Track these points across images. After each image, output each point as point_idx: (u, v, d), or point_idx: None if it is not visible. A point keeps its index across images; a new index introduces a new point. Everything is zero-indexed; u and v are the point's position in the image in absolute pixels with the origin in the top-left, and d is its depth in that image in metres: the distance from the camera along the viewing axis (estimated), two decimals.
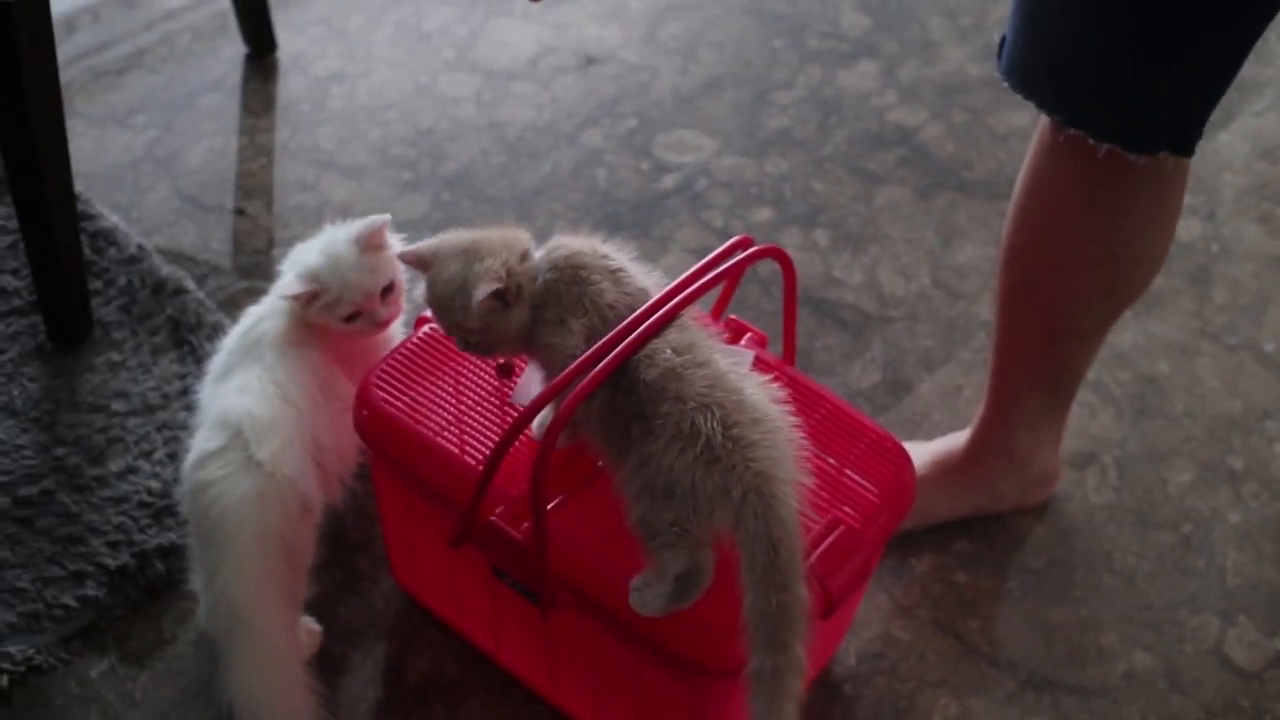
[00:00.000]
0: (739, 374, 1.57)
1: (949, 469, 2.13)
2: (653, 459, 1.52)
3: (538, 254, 1.65)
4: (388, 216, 1.89)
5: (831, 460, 1.74)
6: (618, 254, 1.66)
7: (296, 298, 1.85)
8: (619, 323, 1.56)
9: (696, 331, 1.60)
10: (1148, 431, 2.30)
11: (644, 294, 1.62)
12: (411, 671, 1.96)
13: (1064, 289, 1.91)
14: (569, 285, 1.61)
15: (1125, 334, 2.42)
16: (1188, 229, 2.61)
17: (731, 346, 1.79)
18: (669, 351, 1.54)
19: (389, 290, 1.89)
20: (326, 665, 1.94)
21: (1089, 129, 1.71)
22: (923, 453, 2.11)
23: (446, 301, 1.64)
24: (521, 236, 1.67)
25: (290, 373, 1.86)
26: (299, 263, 1.89)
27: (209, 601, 1.80)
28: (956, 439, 2.15)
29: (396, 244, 1.90)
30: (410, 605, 2.02)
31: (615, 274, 1.63)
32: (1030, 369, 2.02)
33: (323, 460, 1.86)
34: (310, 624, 1.95)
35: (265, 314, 1.93)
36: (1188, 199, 2.61)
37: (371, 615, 2.01)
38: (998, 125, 2.78)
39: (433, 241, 1.68)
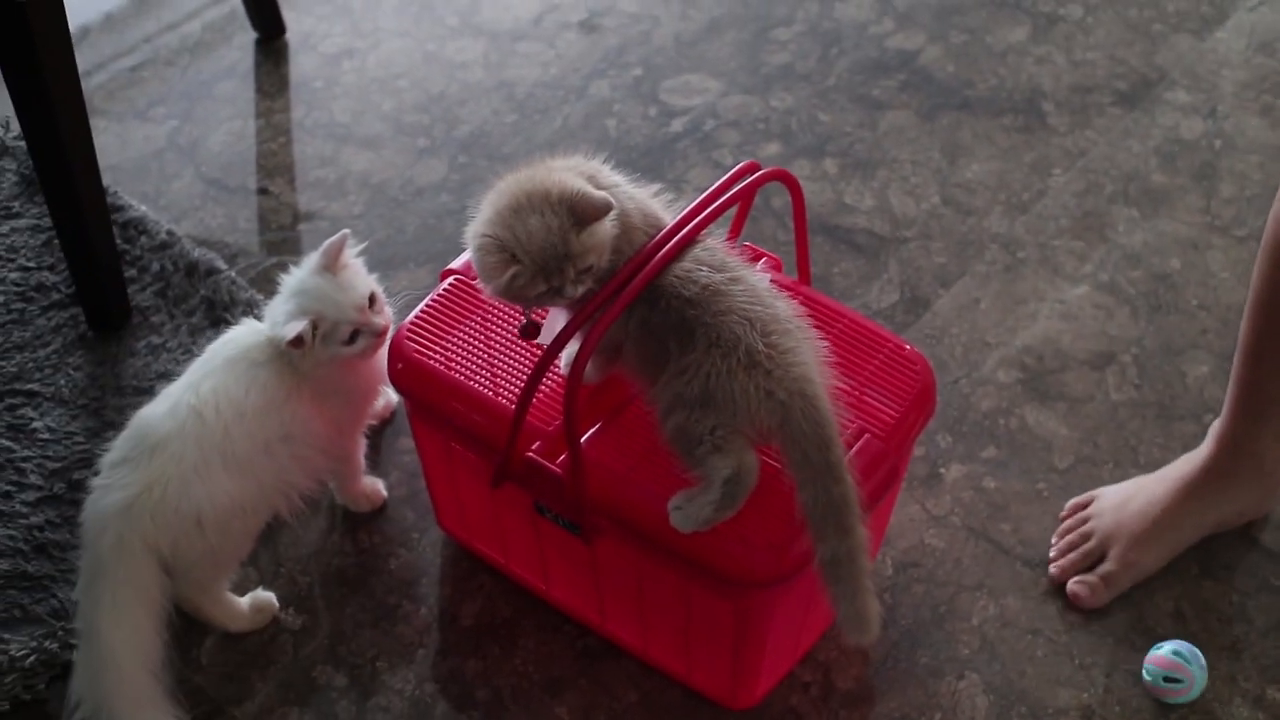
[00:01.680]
0: (770, 291, 1.65)
1: (1190, 492, 2.06)
2: (690, 367, 1.58)
3: None
4: (345, 233, 1.91)
5: (853, 373, 1.80)
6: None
7: (299, 339, 1.84)
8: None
9: (723, 252, 1.66)
10: (1164, 327, 2.34)
11: (658, 219, 1.69)
12: (465, 615, 2.02)
13: None
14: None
15: (1136, 234, 2.47)
16: (1190, 127, 2.65)
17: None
18: (706, 269, 1.61)
19: (373, 300, 1.92)
20: (382, 615, 2.01)
21: None
22: (1156, 485, 2.08)
23: (550, 250, 1.58)
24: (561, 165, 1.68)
25: (224, 388, 1.88)
26: (279, 314, 1.90)
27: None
28: (1191, 460, 2.09)
29: (357, 261, 1.94)
30: (459, 552, 2.08)
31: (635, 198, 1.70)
32: None
33: (255, 473, 1.88)
34: (260, 599, 2.02)
35: (240, 333, 1.96)
36: (1187, 98, 2.67)
37: (422, 565, 2.07)
38: (995, 42, 2.82)
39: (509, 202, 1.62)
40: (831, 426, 1.58)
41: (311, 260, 1.91)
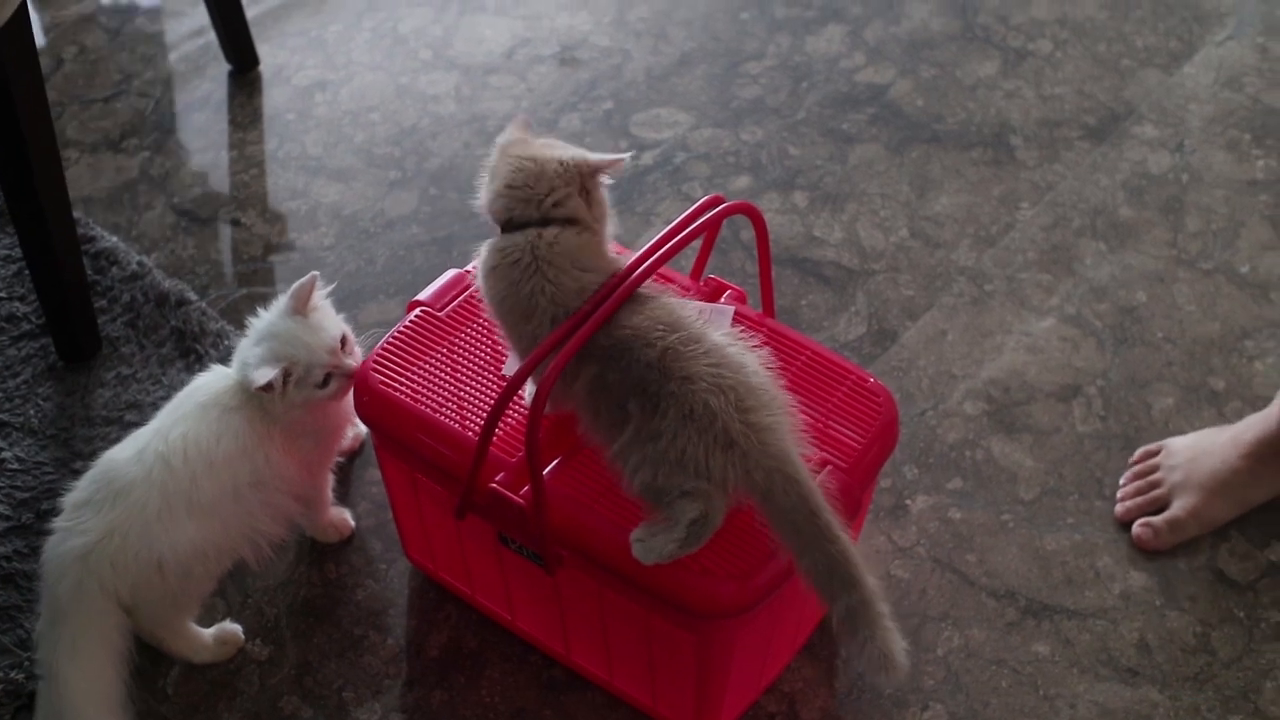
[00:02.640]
0: (737, 347, 1.64)
1: (1263, 458, 2.11)
2: (663, 435, 1.57)
3: None
4: (314, 275, 1.91)
5: (816, 404, 1.81)
6: None
7: (271, 385, 1.84)
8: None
9: (672, 303, 1.66)
10: (1129, 360, 2.36)
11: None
12: (431, 646, 2.02)
13: None
14: None
15: (1102, 268, 2.48)
16: (1157, 161, 2.67)
17: (711, 304, 1.87)
18: (661, 329, 1.60)
19: (344, 342, 1.92)
20: (349, 646, 2.01)
21: None
22: (1230, 448, 2.14)
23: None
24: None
25: (195, 435, 1.87)
26: (250, 359, 1.89)
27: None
28: (1266, 418, 2.12)
29: (326, 302, 1.95)
30: (426, 584, 2.08)
31: None
32: None
33: (221, 518, 1.88)
34: (225, 631, 2.02)
35: (212, 379, 1.95)
36: (1154, 132, 2.69)
37: (389, 596, 2.08)
38: (965, 76, 2.84)
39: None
40: (816, 496, 1.58)
41: (281, 303, 1.91)
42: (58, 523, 1.87)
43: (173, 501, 1.83)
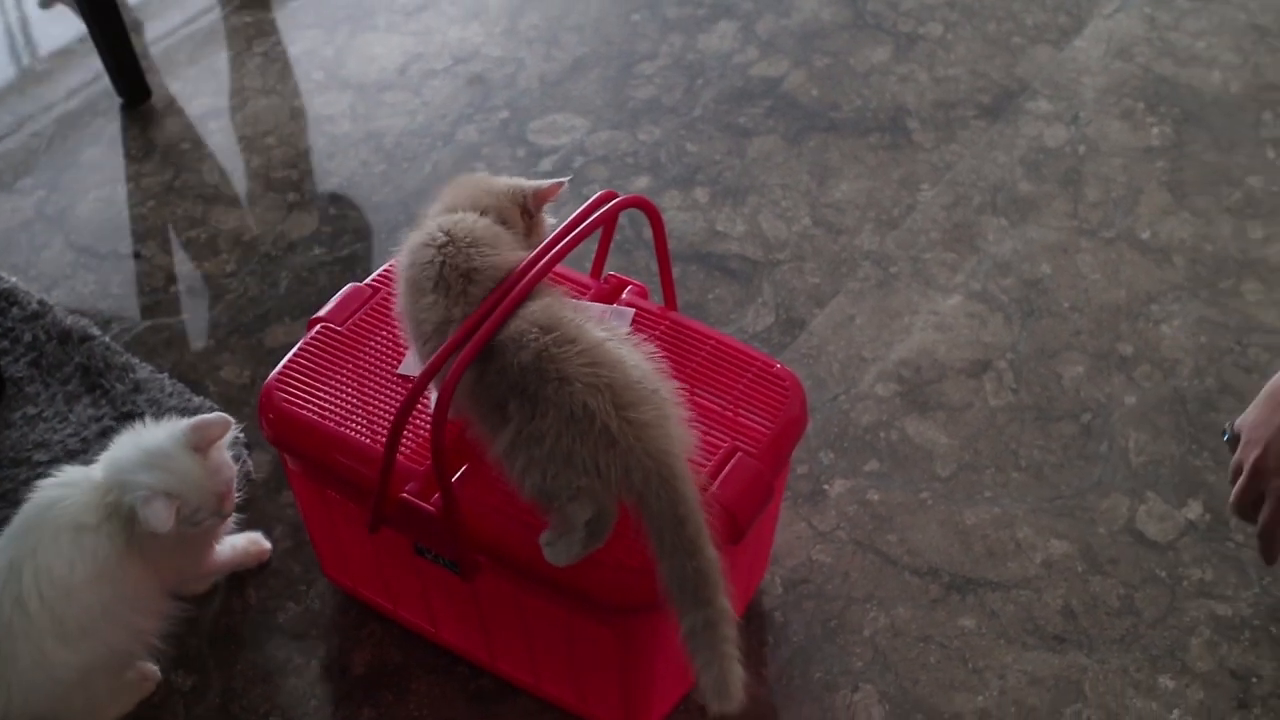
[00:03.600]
0: (615, 342, 1.62)
1: None
2: (545, 438, 1.56)
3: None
4: (228, 420, 1.84)
5: (723, 392, 1.80)
6: None
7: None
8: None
9: (559, 303, 1.64)
10: (1037, 331, 2.37)
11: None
12: (356, 664, 2.01)
13: None
14: None
15: (1005, 243, 2.49)
16: (1053, 135, 2.69)
17: (612, 305, 1.87)
18: (535, 331, 1.58)
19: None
20: (273, 670, 1.99)
21: None
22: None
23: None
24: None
25: (47, 569, 1.77)
26: (137, 487, 1.77)
27: None
28: None
29: (224, 444, 1.86)
30: (347, 602, 2.07)
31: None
32: None
33: (100, 637, 1.80)
34: (145, 669, 1.98)
35: (65, 493, 1.83)
36: (1049, 107, 2.71)
37: (310, 617, 2.06)
38: (858, 64, 2.85)
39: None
40: (687, 504, 1.56)
41: (179, 430, 1.82)
42: None
43: (42, 644, 1.76)
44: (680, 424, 1.60)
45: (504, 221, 1.73)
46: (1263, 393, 1.82)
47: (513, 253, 1.68)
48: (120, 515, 1.79)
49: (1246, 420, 1.82)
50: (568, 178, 1.87)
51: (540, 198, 1.78)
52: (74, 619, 1.77)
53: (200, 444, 1.81)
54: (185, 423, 1.82)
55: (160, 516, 1.73)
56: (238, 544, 2.05)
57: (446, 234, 1.67)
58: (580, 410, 1.54)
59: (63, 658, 1.77)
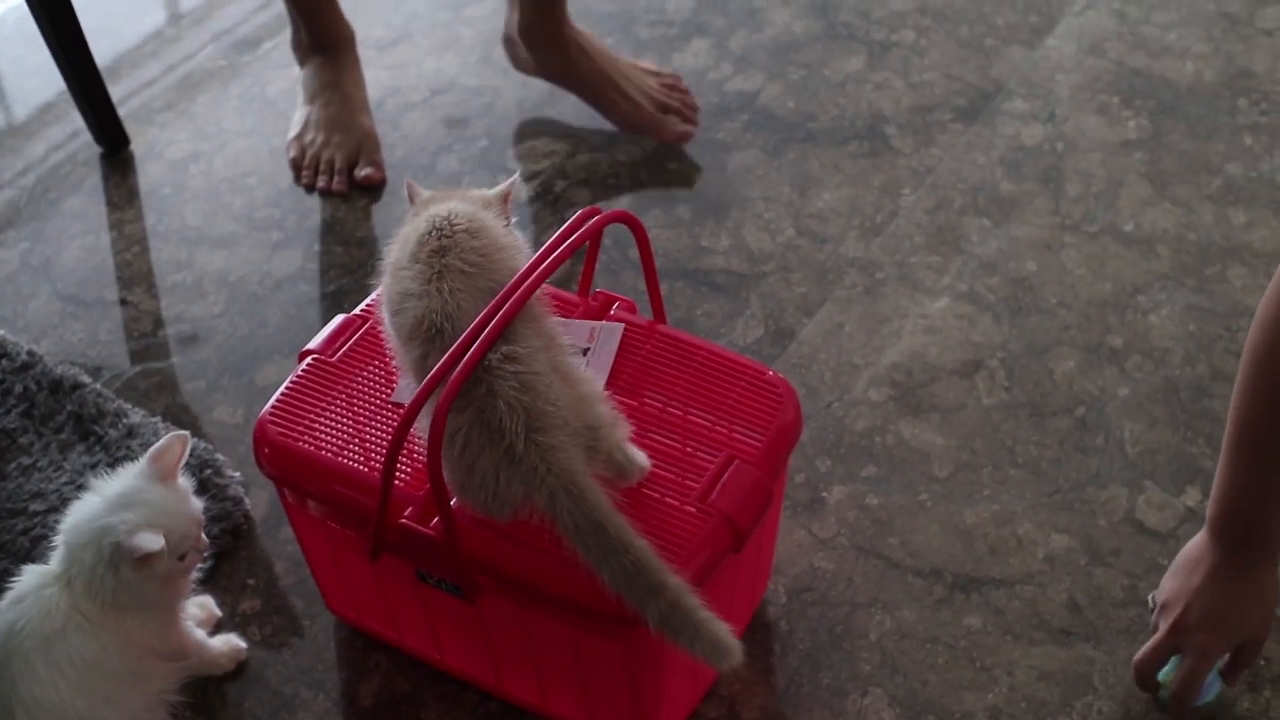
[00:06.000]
0: (564, 370, 1.63)
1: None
2: (457, 437, 1.58)
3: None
4: (185, 435, 1.80)
5: (716, 403, 1.81)
6: None
7: (154, 555, 1.69)
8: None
9: (527, 324, 1.63)
10: (1026, 329, 2.37)
11: None
12: (364, 695, 2.00)
13: None
14: None
15: (990, 242, 2.50)
16: (1031, 134, 2.70)
17: (596, 322, 1.87)
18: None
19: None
20: (280, 706, 1.98)
21: None
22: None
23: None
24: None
25: (31, 697, 1.71)
26: (118, 526, 1.71)
27: None
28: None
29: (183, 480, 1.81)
30: (351, 634, 2.06)
31: None
32: None
33: None
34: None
35: (13, 617, 1.74)
36: (1025, 106, 2.72)
37: (316, 651, 2.05)
38: (833, 74, 2.86)
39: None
40: (601, 510, 1.56)
41: (141, 467, 1.77)
42: None
43: None
44: (612, 454, 1.65)
45: None
46: (1175, 562, 1.91)
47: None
48: (78, 616, 1.72)
49: (1164, 589, 1.91)
50: (516, 173, 1.89)
51: (506, 197, 1.78)
52: None
53: (165, 472, 1.77)
54: (143, 457, 1.78)
55: (149, 538, 1.68)
56: (215, 642, 2.00)
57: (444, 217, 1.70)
58: (496, 424, 1.56)
59: None
